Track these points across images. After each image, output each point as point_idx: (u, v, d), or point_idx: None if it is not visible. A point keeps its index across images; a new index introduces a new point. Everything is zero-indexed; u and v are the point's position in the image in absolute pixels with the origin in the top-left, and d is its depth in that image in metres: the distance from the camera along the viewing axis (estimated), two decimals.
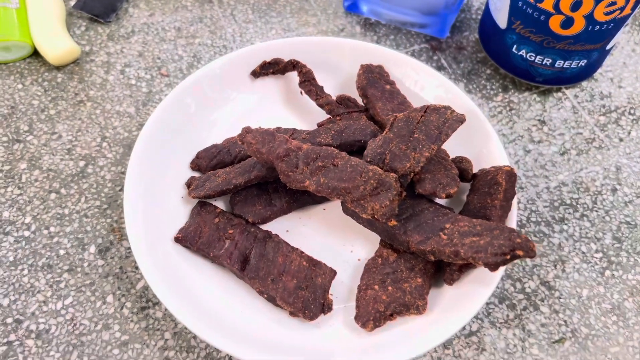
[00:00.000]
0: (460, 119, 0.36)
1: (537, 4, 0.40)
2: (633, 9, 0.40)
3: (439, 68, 0.48)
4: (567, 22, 0.40)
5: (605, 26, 0.40)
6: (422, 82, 0.42)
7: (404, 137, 0.35)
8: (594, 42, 0.42)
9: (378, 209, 0.32)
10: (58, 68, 0.47)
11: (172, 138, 0.39)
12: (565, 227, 0.40)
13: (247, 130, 0.36)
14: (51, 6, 0.48)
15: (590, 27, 0.40)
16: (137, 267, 0.37)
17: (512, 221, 0.35)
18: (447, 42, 0.50)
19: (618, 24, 0.40)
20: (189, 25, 0.50)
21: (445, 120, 0.36)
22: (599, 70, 0.48)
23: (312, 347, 0.33)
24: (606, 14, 0.39)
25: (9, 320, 0.35)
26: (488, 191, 0.36)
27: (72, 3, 0.51)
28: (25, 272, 0.37)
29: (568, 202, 0.41)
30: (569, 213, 0.41)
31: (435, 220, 0.34)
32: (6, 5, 0.47)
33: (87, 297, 0.36)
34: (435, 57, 0.49)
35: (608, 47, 0.43)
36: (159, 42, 0.49)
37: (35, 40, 0.46)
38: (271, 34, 0.50)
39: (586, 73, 0.46)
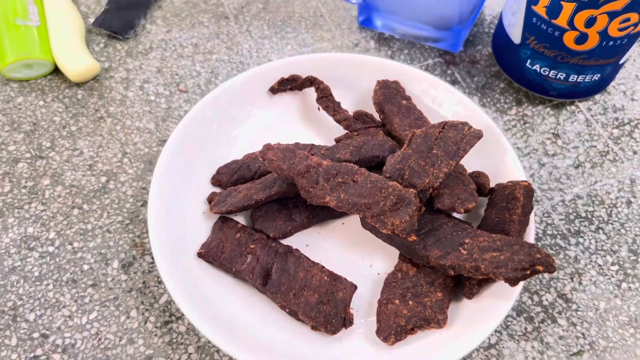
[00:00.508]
0: (478, 135, 0.36)
1: (552, 20, 0.41)
2: None
3: (453, 82, 0.49)
4: (582, 38, 0.41)
5: (619, 42, 0.41)
6: (439, 98, 0.43)
7: (422, 153, 0.36)
8: (608, 57, 0.42)
9: (398, 224, 0.33)
10: (78, 85, 0.48)
11: (193, 154, 0.40)
12: (581, 239, 0.40)
13: (268, 147, 0.37)
14: (71, 24, 0.49)
15: (605, 42, 0.41)
16: (160, 282, 0.38)
17: (530, 236, 0.36)
18: (461, 56, 0.50)
19: (632, 39, 0.41)
20: (206, 41, 0.51)
21: (463, 136, 0.36)
22: (612, 84, 0.49)
23: None
24: (620, 29, 0.40)
25: (35, 335, 0.36)
26: (506, 206, 0.36)
27: (91, 20, 0.52)
28: (51, 287, 0.38)
29: (583, 215, 0.42)
30: (585, 226, 0.41)
31: (454, 235, 0.35)
32: (27, 24, 0.48)
33: (112, 312, 0.37)
34: (449, 71, 0.49)
35: (621, 61, 0.44)
36: (177, 58, 0.50)
37: (56, 58, 0.47)
38: (287, 49, 0.51)
39: (600, 87, 0.46)
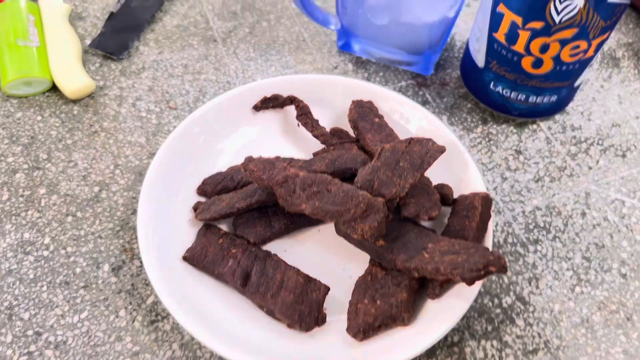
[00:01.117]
0: (441, 150, 0.40)
1: (511, 47, 0.45)
2: (596, 51, 0.44)
3: (424, 102, 0.52)
4: (537, 63, 0.45)
5: (571, 66, 0.45)
6: (408, 116, 0.47)
7: (390, 165, 0.39)
8: (562, 80, 0.46)
9: (367, 230, 0.36)
10: (74, 101, 0.51)
11: (181, 166, 0.43)
12: (539, 247, 0.44)
13: (249, 159, 0.40)
14: (69, 44, 0.53)
15: (558, 67, 0.45)
16: (147, 284, 0.41)
17: (488, 241, 0.39)
18: (432, 79, 0.54)
19: (583, 64, 0.45)
20: (195, 62, 0.55)
21: (427, 151, 0.40)
22: (571, 105, 0.53)
23: (307, 356, 0.36)
24: (571, 55, 0.44)
25: (30, 332, 0.38)
26: (466, 214, 0.39)
27: (88, 42, 0.55)
28: (45, 288, 0.40)
29: (542, 225, 0.45)
30: (543, 235, 0.44)
31: (418, 240, 0.38)
32: (27, 44, 0.52)
33: (102, 312, 0.39)
34: (420, 92, 0.53)
35: (576, 84, 0.48)
36: (168, 78, 0.53)
37: (54, 76, 0.51)
38: (271, 70, 0.54)
39: (558, 107, 0.50)
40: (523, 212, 0.46)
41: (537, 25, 0.42)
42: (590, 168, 0.49)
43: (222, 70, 0.54)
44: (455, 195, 0.42)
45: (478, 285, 0.37)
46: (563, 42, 0.42)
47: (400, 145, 0.40)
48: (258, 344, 0.36)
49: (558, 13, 0.41)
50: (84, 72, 0.51)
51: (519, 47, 0.44)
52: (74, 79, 0.50)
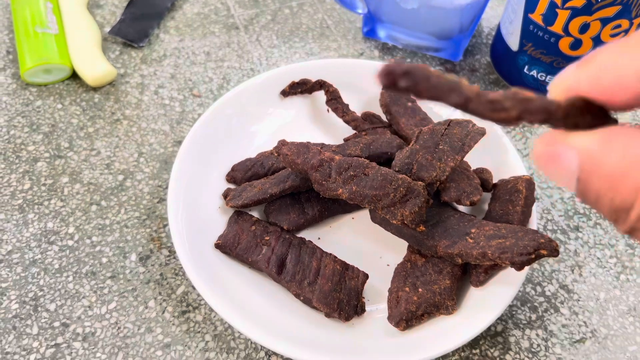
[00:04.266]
0: (481, 132, 0.39)
1: (548, 27, 0.43)
2: (638, 29, 0.43)
3: None
4: (576, 44, 0.43)
5: None
6: None
7: (429, 148, 0.38)
8: None
9: (407, 215, 0.35)
10: (95, 89, 0.50)
11: (210, 151, 0.42)
12: (580, 234, 0.42)
13: (282, 143, 0.39)
14: (88, 32, 0.51)
15: (598, 47, 0.43)
16: (177, 274, 0.39)
17: (533, 225, 0.37)
18: (461, 65, 0.53)
19: None
20: (218, 49, 0.53)
21: (467, 133, 0.38)
22: None
23: (347, 346, 0.35)
24: (612, 35, 0.42)
25: (56, 324, 0.37)
26: (509, 198, 0.38)
27: (108, 29, 0.54)
28: (70, 278, 0.39)
29: (581, 211, 0.44)
30: (583, 222, 0.43)
31: (461, 225, 0.37)
32: (46, 31, 0.50)
33: (130, 302, 0.38)
34: None
35: None
36: (190, 65, 0.52)
37: (74, 63, 0.49)
38: (295, 57, 0.53)
39: None
40: (562, 198, 0.44)
41: (578, 3, 0.40)
42: None
43: (245, 57, 0.53)
44: (494, 181, 0.41)
45: (525, 271, 0.35)
46: (604, 21, 0.41)
47: (439, 127, 0.39)
48: (296, 334, 0.35)
49: None
50: (105, 60, 0.50)
51: (556, 27, 0.43)
52: (95, 66, 0.49)
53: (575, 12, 0.41)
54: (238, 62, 0.52)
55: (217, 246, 0.38)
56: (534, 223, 0.38)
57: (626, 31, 0.42)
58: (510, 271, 0.36)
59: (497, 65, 0.51)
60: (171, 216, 0.38)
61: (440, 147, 0.38)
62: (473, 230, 0.36)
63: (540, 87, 0.48)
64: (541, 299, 0.39)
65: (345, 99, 0.46)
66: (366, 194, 0.36)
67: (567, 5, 0.41)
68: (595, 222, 0.43)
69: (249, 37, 0.55)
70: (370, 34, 0.55)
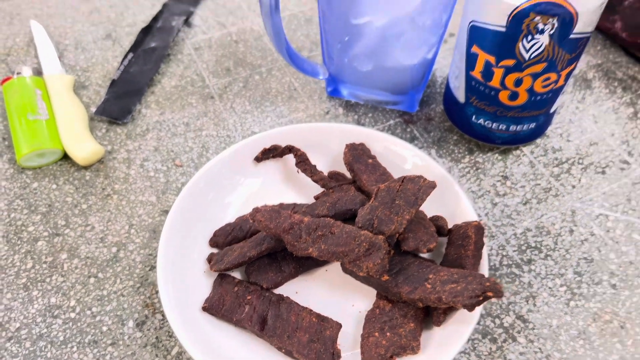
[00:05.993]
0: (432, 185, 0.43)
1: (487, 83, 0.48)
2: (566, 80, 0.48)
3: (413, 138, 0.56)
4: (513, 96, 0.48)
5: (545, 96, 0.48)
6: (399, 154, 0.50)
7: (387, 204, 0.42)
8: (539, 109, 0.50)
9: (372, 267, 0.39)
10: (86, 167, 0.54)
11: (192, 221, 0.46)
12: (532, 267, 0.47)
13: (256, 210, 0.43)
14: (76, 114, 0.56)
15: (533, 98, 0.48)
16: (170, 336, 0.43)
17: (484, 267, 0.42)
18: (418, 115, 0.58)
19: (555, 93, 0.49)
20: (196, 119, 0.58)
21: (419, 187, 0.43)
22: (550, 128, 0.57)
23: None
24: (544, 86, 0.47)
25: None
26: (461, 243, 0.42)
27: (93, 109, 0.59)
28: (75, 349, 0.43)
29: (533, 245, 0.48)
30: (535, 254, 0.47)
31: (420, 272, 0.41)
32: (37, 118, 0.55)
33: None
34: (408, 129, 0.57)
35: (552, 110, 0.51)
36: (171, 137, 0.57)
37: (65, 146, 0.54)
38: (267, 121, 0.58)
39: (537, 133, 0.54)
40: (515, 234, 0.49)
41: (509, 63, 0.46)
42: (573, 187, 0.52)
43: (221, 125, 0.58)
44: (450, 225, 0.45)
45: (479, 309, 0.39)
46: (534, 76, 0.46)
47: (394, 184, 0.43)
48: None
49: (527, 51, 0.44)
50: (93, 139, 0.55)
51: (495, 82, 0.48)
52: (84, 146, 0.54)
53: (508, 70, 0.46)
54: (215, 130, 0.57)
55: (205, 309, 0.42)
56: (485, 264, 0.42)
57: (555, 82, 0.47)
58: (465, 310, 0.40)
59: (449, 114, 0.56)
60: (161, 283, 0.42)
61: (397, 202, 0.42)
62: (430, 276, 0.40)
63: (489, 134, 0.53)
64: (500, 330, 0.43)
65: (313, 159, 0.51)
66: (334, 251, 0.40)
67: (500, 64, 0.46)
68: (546, 254, 0.47)
69: (223, 105, 0.60)
70: (334, 93, 0.60)
